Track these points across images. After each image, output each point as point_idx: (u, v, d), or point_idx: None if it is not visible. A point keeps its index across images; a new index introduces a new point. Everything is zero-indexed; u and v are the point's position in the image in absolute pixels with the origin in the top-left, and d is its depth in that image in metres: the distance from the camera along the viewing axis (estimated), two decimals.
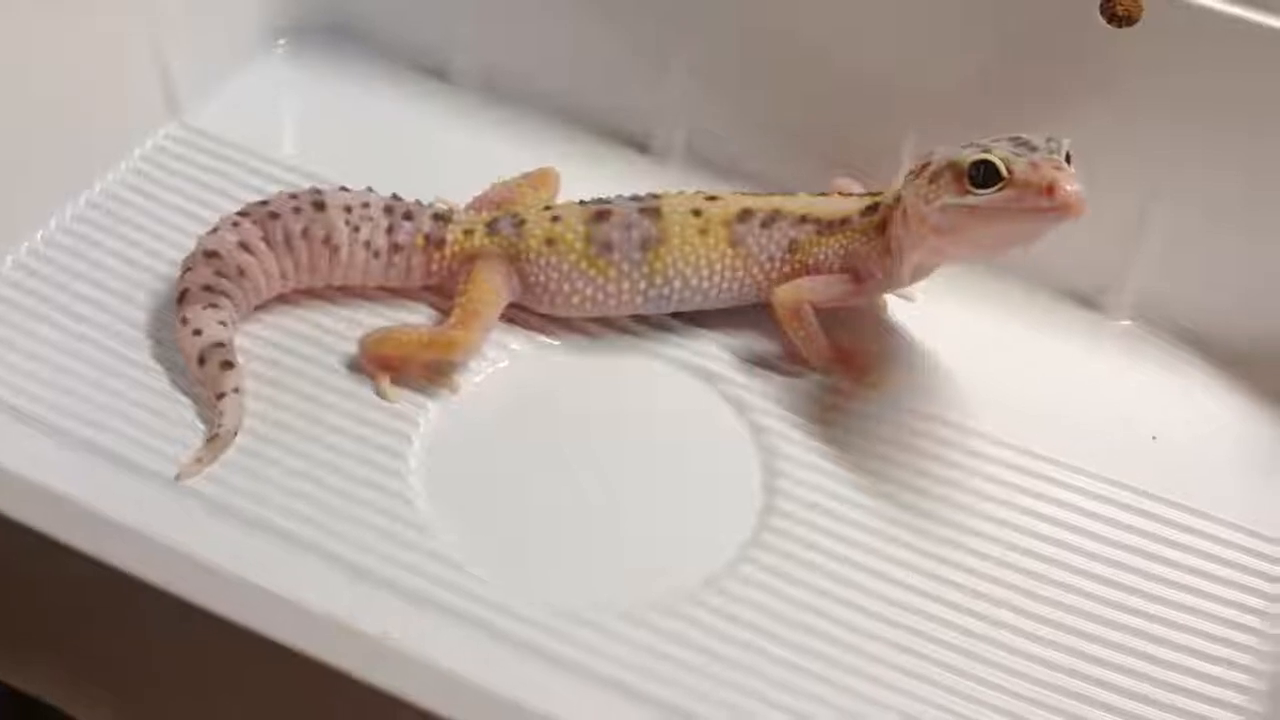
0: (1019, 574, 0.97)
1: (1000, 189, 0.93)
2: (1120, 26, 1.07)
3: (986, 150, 0.94)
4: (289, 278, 1.07)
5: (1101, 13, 1.07)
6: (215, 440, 0.98)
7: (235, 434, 0.98)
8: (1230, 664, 0.94)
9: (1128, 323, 1.14)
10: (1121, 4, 1.06)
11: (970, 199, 0.95)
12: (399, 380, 1.04)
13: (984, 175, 0.94)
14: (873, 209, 1.06)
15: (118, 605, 0.78)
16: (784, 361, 1.08)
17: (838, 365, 1.07)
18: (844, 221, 1.06)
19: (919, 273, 1.06)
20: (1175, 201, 1.10)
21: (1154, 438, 1.07)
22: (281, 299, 1.07)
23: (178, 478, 0.96)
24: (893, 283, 1.07)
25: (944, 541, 0.99)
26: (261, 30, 1.28)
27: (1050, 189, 0.91)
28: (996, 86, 1.12)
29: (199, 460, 0.97)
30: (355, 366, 1.05)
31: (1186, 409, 1.09)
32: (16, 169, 1.09)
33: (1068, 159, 0.94)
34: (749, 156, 1.21)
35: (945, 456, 1.03)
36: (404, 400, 1.03)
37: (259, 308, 1.06)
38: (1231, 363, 1.11)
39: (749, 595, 0.94)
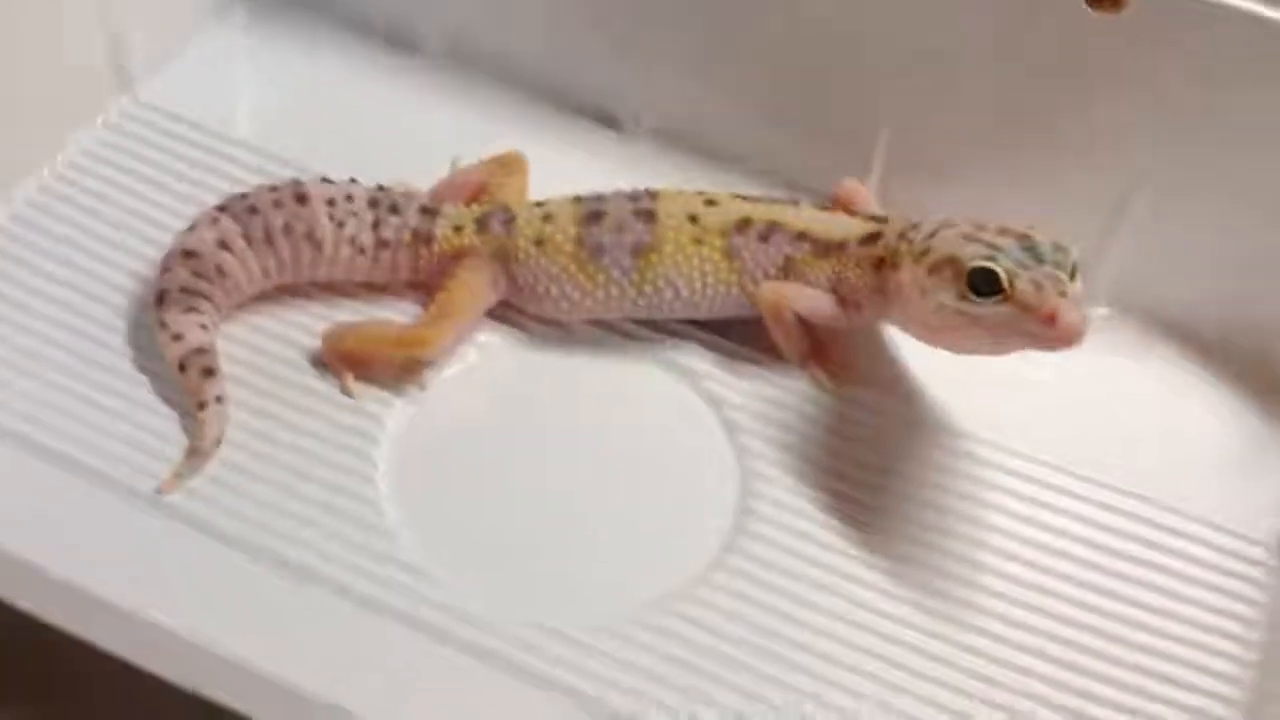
0: (994, 577, 0.96)
1: (999, 302, 0.89)
2: (1105, 11, 1.04)
3: (991, 255, 0.89)
4: (270, 275, 1.02)
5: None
6: (196, 453, 0.95)
7: (217, 445, 0.95)
8: (1207, 671, 0.93)
9: (1104, 311, 1.12)
10: None
11: (966, 306, 0.90)
12: (367, 376, 1.01)
13: (984, 284, 0.89)
14: (872, 239, 1.01)
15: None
16: (767, 358, 1.06)
17: (815, 364, 1.05)
18: (840, 246, 1.02)
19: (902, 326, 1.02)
20: (1153, 188, 1.07)
21: (1130, 432, 1.05)
22: (260, 295, 1.04)
23: (157, 492, 0.93)
24: (878, 320, 1.04)
25: (921, 545, 0.97)
26: None
27: (1051, 317, 0.87)
28: (975, 65, 1.09)
29: (178, 475, 0.94)
30: (325, 365, 1.02)
31: (1163, 401, 1.07)
32: None
33: (1073, 272, 0.90)
34: (721, 134, 1.18)
35: (922, 457, 1.02)
36: (370, 398, 1.00)
37: (239, 307, 1.03)
38: (1210, 353, 1.10)
39: (721, 604, 0.93)
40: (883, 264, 1.00)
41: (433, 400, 1.02)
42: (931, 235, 0.96)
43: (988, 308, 0.89)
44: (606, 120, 1.20)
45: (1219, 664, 0.94)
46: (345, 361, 1.01)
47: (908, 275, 0.95)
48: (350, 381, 1.00)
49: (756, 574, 0.94)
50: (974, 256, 0.90)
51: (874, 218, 1.05)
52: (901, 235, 1.00)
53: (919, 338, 0.98)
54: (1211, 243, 1.08)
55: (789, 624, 0.92)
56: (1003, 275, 0.89)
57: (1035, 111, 1.09)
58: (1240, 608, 0.96)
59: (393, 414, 1.00)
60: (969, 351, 0.98)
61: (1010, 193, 1.11)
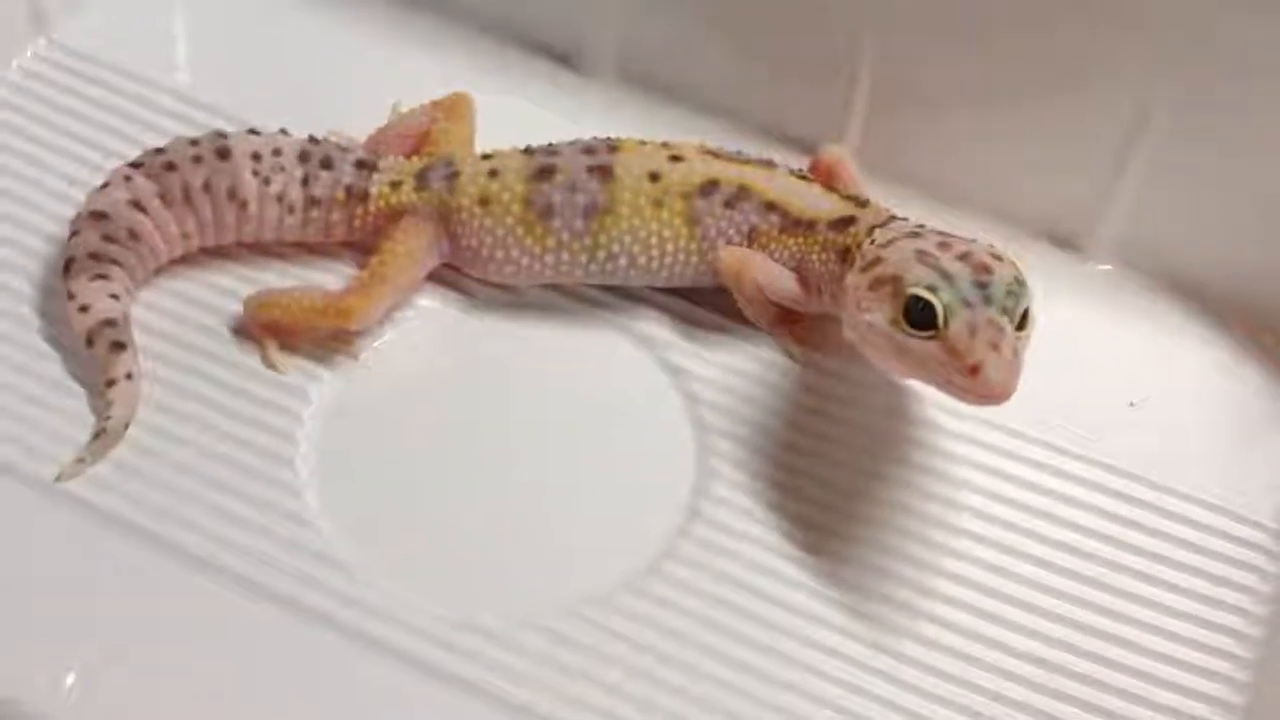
0: (973, 565, 0.89)
1: (929, 338, 0.82)
2: None
3: (934, 286, 0.82)
4: (191, 238, 0.95)
5: None
6: (102, 436, 0.87)
7: (125, 427, 0.88)
8: (1205, 671, 0.86)
9: (1106, 267, 1.05)
10: None
11: (893, 331, 0.83)
12: (293, 346, 0.94)
13: (918, 314, 0.82)
14: (844, 223, 0.93)
15: None
16: (733, 324, 0.98)
17: (784, 330, 0.97)
18: (810, 225, 0.94)
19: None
20: (1157, 128, 1.00)
21: (1131, 403, 0.98)
22: (183, 260, 0.96)
23: (58, 479, 0.86)
24: (836, 310, 0.94)
25: (891, 528, 0.90)
26: None
27: (974, 370, 0.80)
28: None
29: (81, 460, 0.87)
30: (247, 333, 0.94)
31: (1168, 365, 1.00)
32: None
33: (1023, 319, 0.82)
34: (690, 74, 1.09)
35: (896, 432, 0.94)
36: (296, 370, 0.93)
37: (158, 272, 0.96)
38: (1217, 311, 1.03)
39: (666, 596, 0.86)
40: (848, 255, 0.92)
41: (365, 372, 0.94)
42: (889, 243, 0.88)
43: (916, 340, 0.82)
44: (564, 60, 1.12)
45: (1216, 663, 0.86)
46: (269, 331, 0.93)
47: (852, 282, 0.88)
48: (274, 352, 0.93)
49: (708, 563, 0.87)
50: (917, 283, 0.83)
51: (853, 199, 0.96)
52: (871, 229, 0.91)
53: (851, 342, 0.90)
54: (1221, 190, 1.01)
55: (740, 618, 0.85)
56: (939, 311, 0.81)
57: (1030, 48, 1.01)
58: (1241, 599, 0.89)
59: (319, 388, 0.93)
60: (892, 374, 0.92)
61: (1004, 138, 1.04)
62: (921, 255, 0.84)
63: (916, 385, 0.92)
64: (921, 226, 0.90)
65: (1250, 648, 0.87)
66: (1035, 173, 1.04)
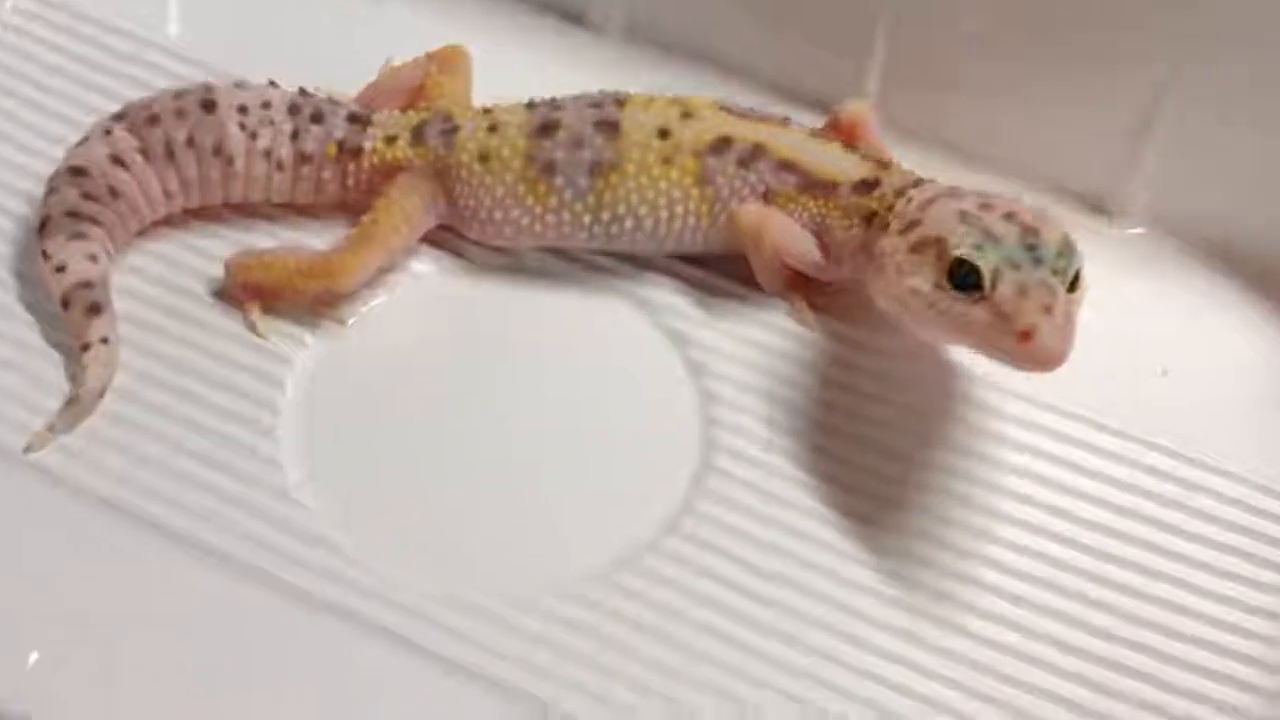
0: (995, 546, 0.84)
1: (975, 302, 0.78)
2: None
3: (980, 246, 0.78)
4: (174, 196, 0.91)
5: None
6: (74, 404, 0.83)
7: (100, 395, 0.84)
8: (1237, 656, 0.81)
9: (1139, 231, 1.00)
10: None
11: (938, 296, 0.79)
12: (278, 310, 0.89)
13: (964, 277, 0.78)
14: (868, 186, 0.88)
15: None
16: (743, 290, 0.92)
17: (798, 296, 0.92)
18: (831, 188, 0.89)
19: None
20: (1188, 92, 0.96)
21: (1164, 372, 0.93)
22: (167, 221, 0.92)
23: (26, 450, 0.82)
24: (857, 279, 0.90)
25: (914, 511, 0.84)
26: None
27: (1026, 335, 0.75)
28: None
29: (51, 429, 0.83)
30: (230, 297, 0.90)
31: (1202, 334, 0.95)
32: None
33: (1074, 282, 0.78)
34: (702, 31, 1.04)
35: (912, 403, 0.89)
36: (280, 335, 0.89)
37: (140, 234, 0.91)
38: (1254, 277, 0.98)
39: (668, 574, 0.81)
40: (873, 219, 0.87)
41: (353, 338, 0.90)
42: (928, 204, 0.83)
43: (961, 305, 0.78)
44: (572, 16, 1.07)
45: (1251, 647, 0.81)
46: (252, 294, 0.89)
47: (889, 245, 0.83)
48: (257, 316, 0.89)
49: (712, 540, 0.83)
50: (962, 243, 0.78)
51: (875, 159, 0.91)
52: (900, 192, 0.87)
53: (889, 312, 0.86)
54: (1254, 147, 0.96)
55: (745, 599, 0.80)
56: (986, 273, 0.77)
57: (1054, 12, 0.96)
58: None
59: (304, 355, 0.88)
60: (934, 341, 0.88)
61: (1028, 95, 1.00)
62: (964, 216, 0.80)
63: (947, 359, 0.88)
64: (956, 187, 0.85)
65: None
66: (1062, 132, 1.00)
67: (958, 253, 0.78)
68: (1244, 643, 0.81)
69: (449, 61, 0.97)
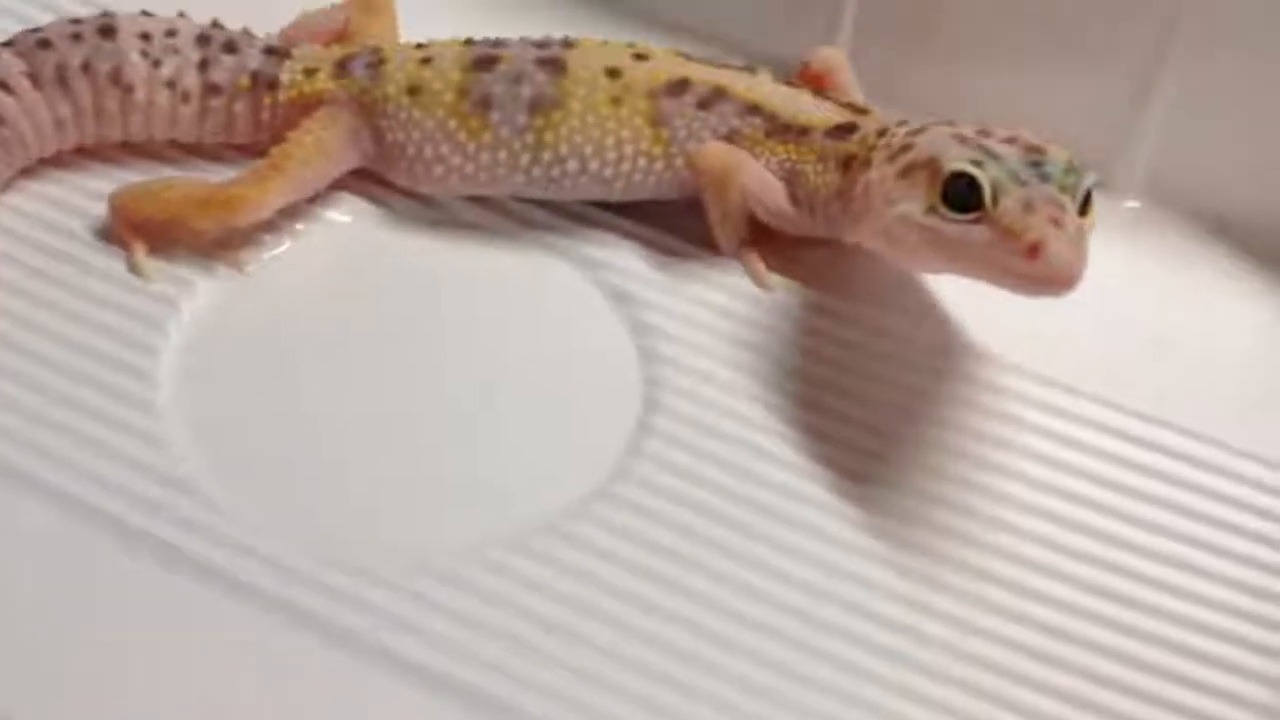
0: (974, 521, 0.74)
1: (975, 220, 0.70)
2: None
3: (979, 160, 0.70)
4: (66, 127, 0.83)
5: None
6: None
7: None
8: (1237, 639, 0.71)
9: (1135, 204, 0.93)
10: None
11: (932, 220, 0.71)
12: (169, 251, 0.80)
13: (961, 194, 0.70)
14: (844, 131, 0.81)
15: None
16: (694, 249, 0.84)
17: (753, 253, 0.83)
18: (803, 133, 0.81)
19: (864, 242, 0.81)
20: (1186, 56, 0.89)
21: (1160, 345, 0.84)
22: (56, 162, 0.84)
23: None
24: (834, 233, 0.82)
25: (856, 474, 0.75)
26: None
27: (1034, 249, 0.67)
28: None
29: None
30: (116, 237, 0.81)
31: (1200, 309, 0.88)
32: None
33: (1085, 204, 0.71)
34: None
35: (877, 372, 0.80)
36: (168, 278, 0.80)
37: (26, 172, 0.83)
38: (1256, 253, 0.90)
39: (594, 540, 0.72)
40: (851, 164, 0.79)
41: (251, 285, 0.81)
42: (918, 131, 0.76)
43: (958, 226, 0.70)
44: None
45: (1259, 634, 0.72)
46: (139, 231, 0.80)
47: (876, 174, 0.76)
48: (142, 256, 0.80)
49: (645, 503, 0.73)
50: (957, 159, 0.70)
51: (851, 105, 0.84)
52: (882, 132, 0.79)
53: (879, 252, 0.79)
54: (1261, 116, 0.90)
55: (682, 568, 0.71)
56: (985, 187, 0.69)
57: None
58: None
59: (193, 299, 0.80)
60: (932, 273, 0.80)
61: (1014, 57, 0.93)
62: (961, 138, 0.72)
63: (914, 325, 0.81)
64: (951, 121, 0.77)
65: None
66: (1050, 97, 0.92)
67: (953, 166, 0.70)
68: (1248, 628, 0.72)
69: (370, 3, 0.89)
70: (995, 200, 0.69)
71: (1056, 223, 0.67)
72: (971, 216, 0.69)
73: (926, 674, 0.68)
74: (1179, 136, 0.91)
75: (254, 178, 0.80)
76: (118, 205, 0.80)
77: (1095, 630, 0.71)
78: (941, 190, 0.70)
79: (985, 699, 0.68)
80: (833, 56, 0.89)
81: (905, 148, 0.75)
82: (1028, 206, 0.68)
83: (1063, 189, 0.69)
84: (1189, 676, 0.69)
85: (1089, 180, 0.70)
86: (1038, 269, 0.67)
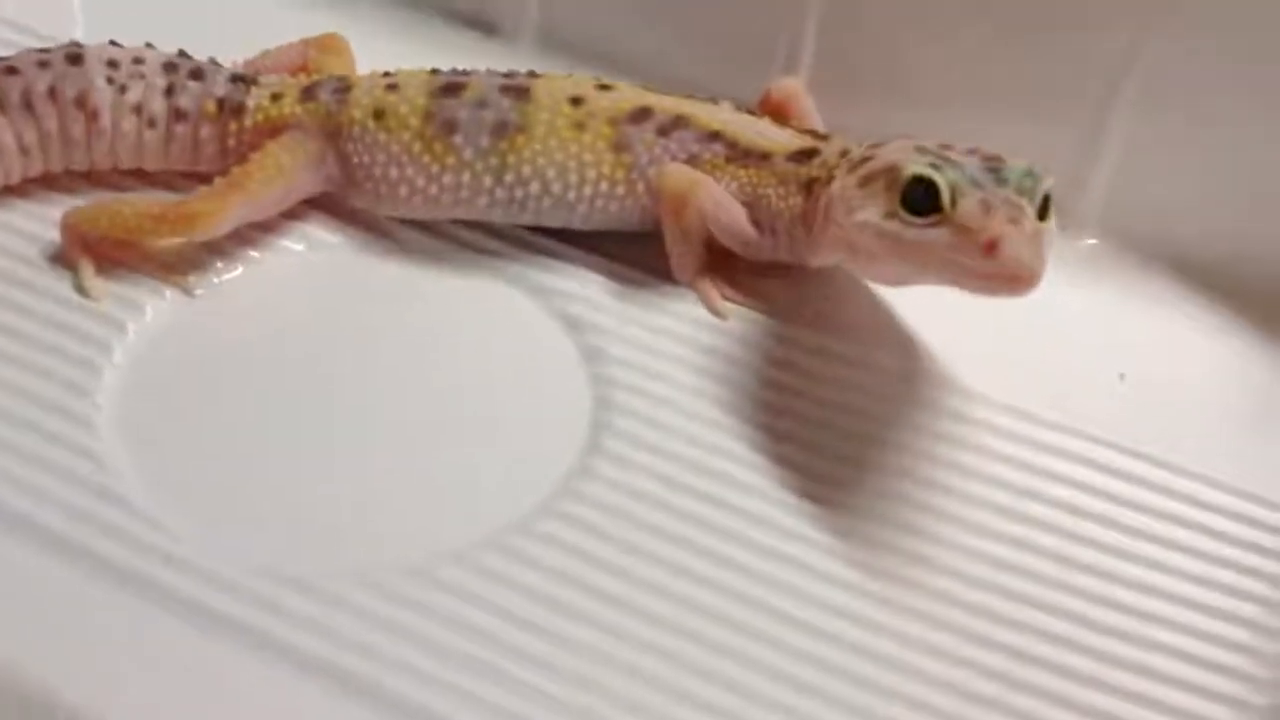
0: (937, 546, 0.73)
1: (934, 223, 0.70)
2: None
3: (938, 164, 0.71)
4: (32, 155, 0.83)
5: None
6: None
7: None
8: (1216, 667, 0.69)
9: (1092, 241, 0.93)
10: None
11: (893, 226, 0.72)
12: (118, 273, 0.80)
13: (919, 198, 0.70)
14: (805, 155, 0.81)
15: None
16: (648, 278, 0.83)
17: (709, 281, 0.83)
18: (764, 158, 0.82)
19: (828, 262, 0.82)
20: (1144, 77, 0.89)
21: (1122, 377, 0.84)
22: (19, 191, 0.83)
23: None
24: (796, 258, 0.82)
25: (811, 497, 0.74)
26: None
27: (992, 246, 0.67)
28: None
29: None
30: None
31: (1160, 343, 0.87)
32: None
33: (1043, 208, 0.71)
34: (617, 36, 0.98)
35: (835, 399, 0.79)
36: (117, 300, 0.79)
37: None
38: (1211, 287, 0.90)
39: (541, 557, 0.70)
40: (814, 187, 0.79)
41: (200, 308, 0.80)
42: (878, 146, 0.76)
43: (918, 229, 0.70)
44: (481, 25, 1.01)
45: (1231, 659, 0.70)
46: (89, 250, 0.80)
47: (837, 186, 0.76)
48: (90, 276, 0.79)
49: (593, 521, 0.72)
50: (915, 164, 0.70)
51: (812, 132, 0.84)
52: (844, 154, 0.79)
53: (843, 264, 0.79)
54: (1216, 153, 0.90)
55: (622, 583, 0.69)
56: (943, 189, 0.69)
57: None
58: (1259, 587, 0.72)
59: (140, 321, 0.79)
60: (899, 283, 0.79)
61: (968, 104, 0.92)
62: (921, 149, 0.72)
63: (872, 350, 0.81)
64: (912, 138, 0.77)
65: (1275, 641, 0.70)
66: (1007, 137, 0.87)
67: (911, 170, 0.70)
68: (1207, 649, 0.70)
69: (328, 45, 0.91)
70: (954, 202, 0.69)
71: (1014, 222, 0.68)
72: (931, 220, 0.70)
73: (884, 696, 0.66)
74: (1134, 175, 0.91)
75: (212, 193, 0.80)
76: (70, 224, 0.80)
77: (1059, 652, 0.69)
78: (901, 195, 0.70)
79: None
80: (791, 85, 0.90)
81: (865, 159, 0.75)
82: (985, 208, 0.68)
83: (1020, 192, 0.69)
84: (1148, 696, 0.67)
85: (1047, 184, 0.70)
86: (996, 267, 0.67)
